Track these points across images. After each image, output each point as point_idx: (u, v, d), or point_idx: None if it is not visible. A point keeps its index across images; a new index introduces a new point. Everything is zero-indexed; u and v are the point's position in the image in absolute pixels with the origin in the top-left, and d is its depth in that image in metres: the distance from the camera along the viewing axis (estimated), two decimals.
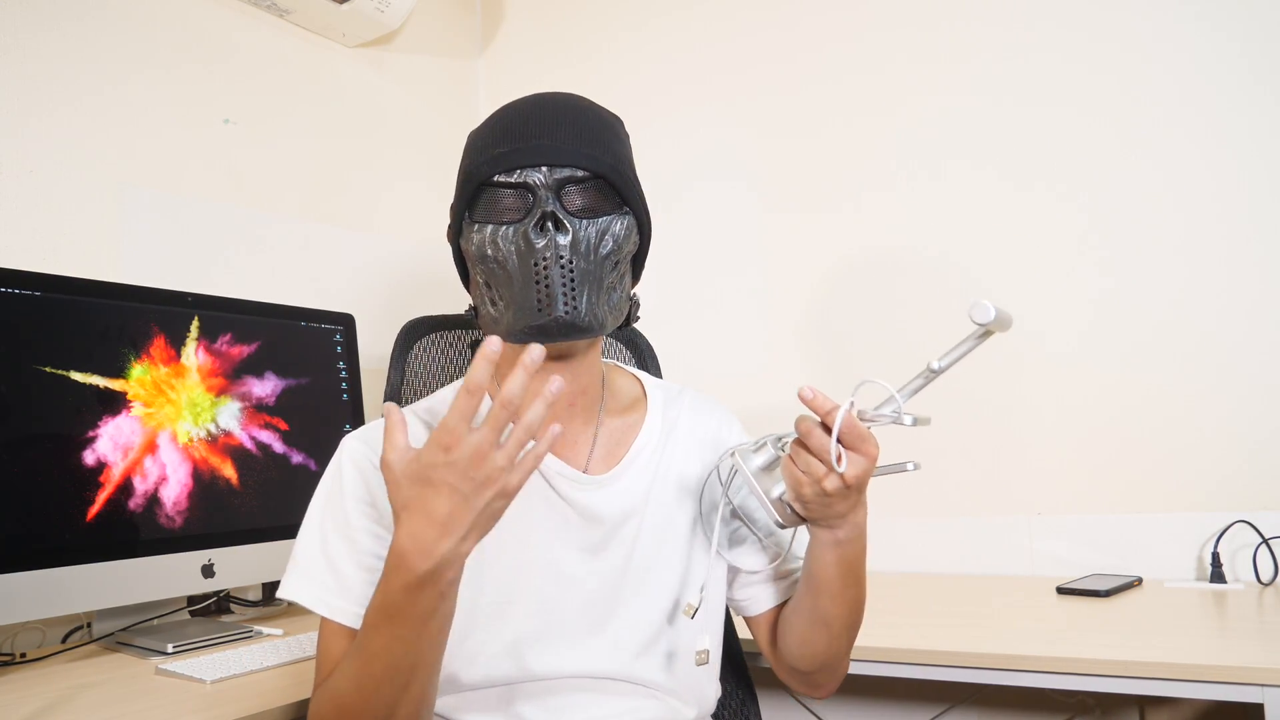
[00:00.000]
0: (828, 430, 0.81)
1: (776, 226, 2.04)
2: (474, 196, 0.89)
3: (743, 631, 1.20)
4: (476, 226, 0.88)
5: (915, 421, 0.81)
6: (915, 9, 1.89)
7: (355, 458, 0.89)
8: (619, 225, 0.89)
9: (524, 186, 0.86)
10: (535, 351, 0.71)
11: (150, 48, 1.73)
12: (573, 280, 0.85)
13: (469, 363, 1.22)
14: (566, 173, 0.86)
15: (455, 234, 0.93)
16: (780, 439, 0.86)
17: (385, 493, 0.86)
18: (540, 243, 0.84)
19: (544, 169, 0.86)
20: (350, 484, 0.88)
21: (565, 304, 0.84)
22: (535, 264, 0.84)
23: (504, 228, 0.87)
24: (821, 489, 0.82)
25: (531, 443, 0.72)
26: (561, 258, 0.84)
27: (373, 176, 2.15)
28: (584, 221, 0.86)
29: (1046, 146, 1.75)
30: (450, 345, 1.22)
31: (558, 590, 0.90)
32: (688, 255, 2.14)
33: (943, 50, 1.86)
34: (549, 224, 0.84)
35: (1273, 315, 1.58)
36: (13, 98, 1.53)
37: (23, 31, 1.54)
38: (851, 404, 0.81)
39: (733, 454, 0.88)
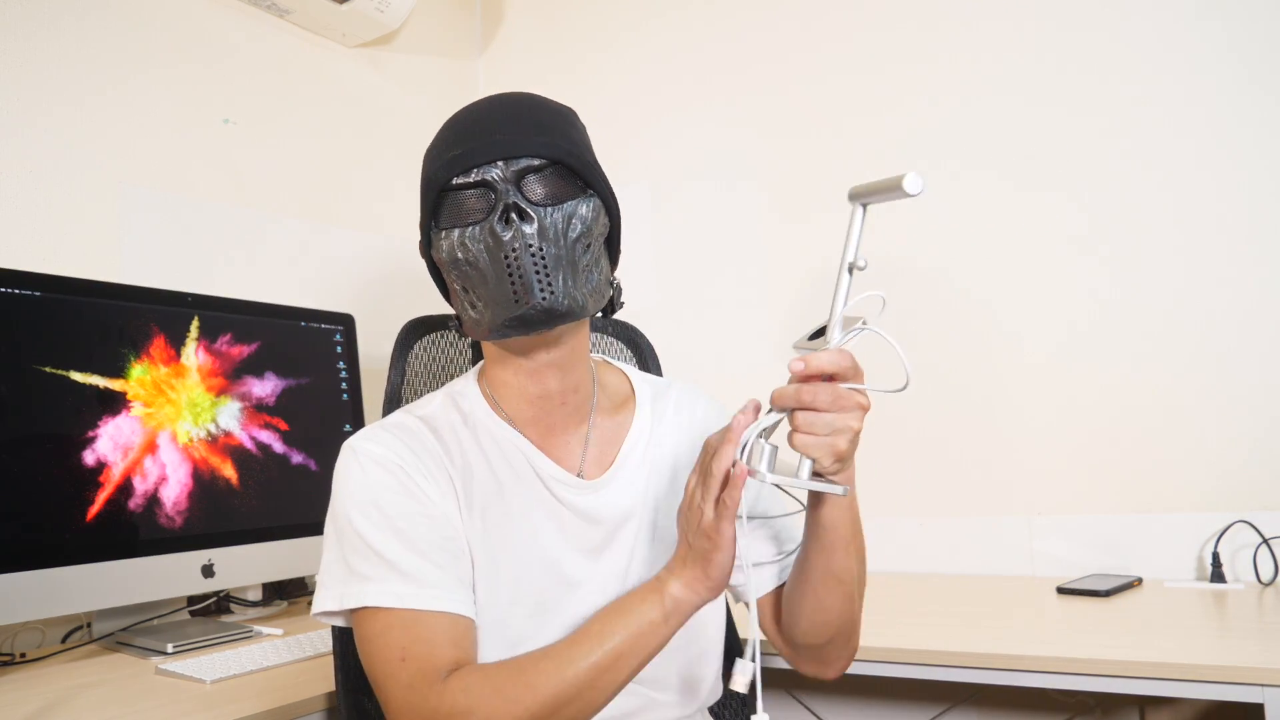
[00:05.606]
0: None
1: (777, 226, 2.04)
2: (437, 204, 0.89)
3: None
4: (444, 233, 0.88)
5: (883, 305, 0.80)
6: (915, 9, 1.89)
7: (377, 458, 0.88)
8: (585, 208, 0.88)
9: (483, 184, 0.86)
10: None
11: (150, 48, 1.73)
12: (545, 266, 0.84)
13: (470, 362, 1.22)
14: (523, 163, 0.85)
15: (426, 246, 0.92)
16: (761, 430, 0.80)
17: (422, 484, 0.87)
18: (507, 235, 0.84)
19: (500, 163, 0.85)
20: (379, 481, 0.87)
21: (542, 290, 0.84)
22: (505, 256, 0.84)
23: (470, 228, 0.86)
24: (855, 433, 0.79)
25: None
26: (530, 246, 0.84)
27: (373, 176, 2.15)
28: (548, 209, 0.86)
29: (1047, 147, 1.75)
30: (450, 345, 1.22)
31: (560, 593, 0.90)
32: (688, 254, 2.14)
33: (943, 50, 1.86)
34: (513, 215, 0.84)
35: (1272, 315, 1.58)
36: (13, 98, 1.53)
37: (23, 31, 1.54)
38: (826, 341, 0.80)
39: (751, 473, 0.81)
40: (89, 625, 1.47)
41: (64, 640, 1.48)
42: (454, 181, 0.87)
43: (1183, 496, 1.62)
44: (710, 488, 0.79)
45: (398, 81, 2.24)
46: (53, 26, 1.59)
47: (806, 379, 0.79)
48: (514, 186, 0.85)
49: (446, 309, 1.25)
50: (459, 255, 0.87)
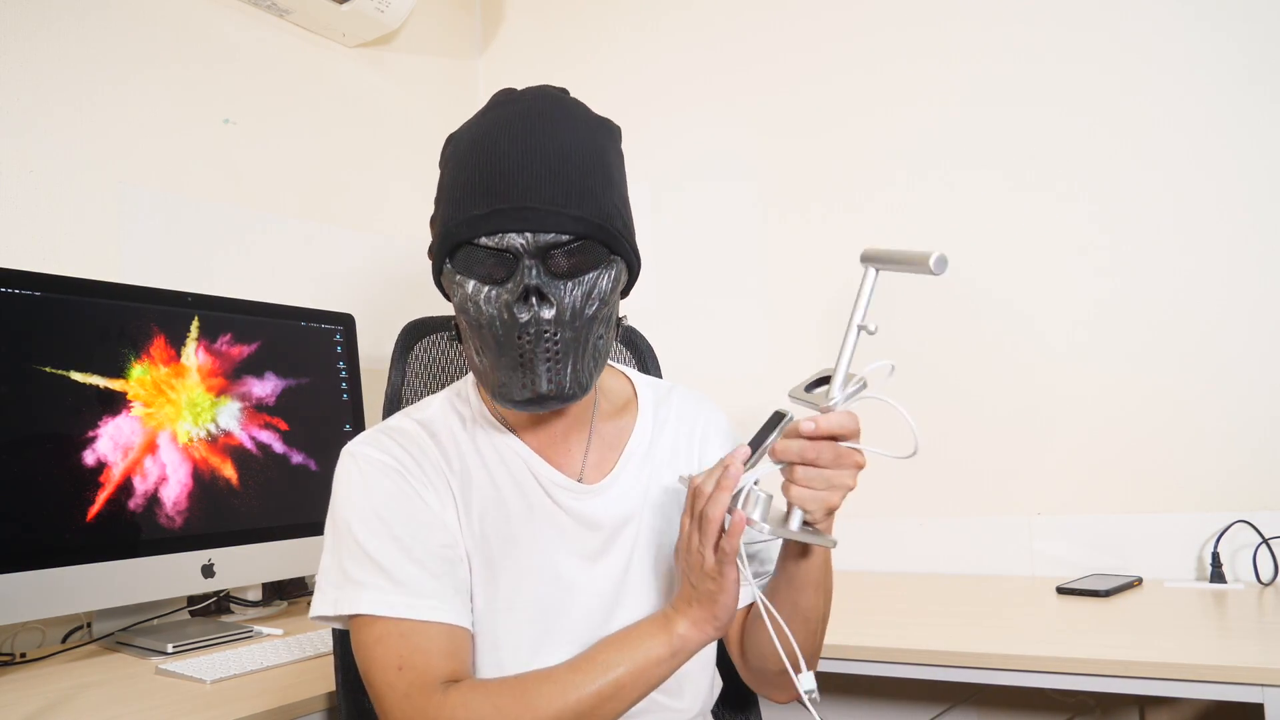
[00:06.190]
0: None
1: (777, 226, 2.04)
2: (453, 250, 0.86)
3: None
4: (458, 277, 0.86)
5: (891, 371, 0.81)
6: (916, 9, 1.89)
7: (377, 464, 0.88)
8: (605, 279, 0.86)
9: (506, 251, 0.82)
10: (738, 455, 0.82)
11: (150, 48, 1.73)
12: (557, 354, 0.83)
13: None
14: (550, 238, 0.82)
15: (436, 271, 0.90)
16: (757, 481, 0.83)
17: (421, 491, 0.88)
18: (524, 316, 0.82)
19: (527, 234, 0.81)
20: (379, 487, 0.87)
21: (549, 381, 0.83)
22: (519, 338, 0.82)
23: (486, 288, 0.84)
24: (848, 490, 0.82)
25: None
26: (545, 332, 0.82)
27: (373, 176, 2.15)
28: (569, 285, 0.83)
29: (1048, 147, 1.75)
30: (451, 345, 1.22)
31: (559, 598, 0.90)
32: (688, 255, 2.14)
33: (944, 50, 1.86)
34: (532, 297, 0.82)
35: (1273, 316, 1.58)
36: (13, 98, 1.53)
37: (23, 31, 1.54)
38: (831, 408, 0.81)
39: (749, 524, 0.83)
40: (89, 625, 1.47)
41: (64, 640, 1.48)
42: (476, 240, 0.83)
43: (1183, 496, 1.62)
44: (708, 533, 0.80)
45: (398, 81, 2.24)
46: (53, 26, 1.59)
47: (815, 439, 0.81)
48: (538, 262, 0.82)
49: (447, 309, 1.25)
50: (469, 309, 0.85)
